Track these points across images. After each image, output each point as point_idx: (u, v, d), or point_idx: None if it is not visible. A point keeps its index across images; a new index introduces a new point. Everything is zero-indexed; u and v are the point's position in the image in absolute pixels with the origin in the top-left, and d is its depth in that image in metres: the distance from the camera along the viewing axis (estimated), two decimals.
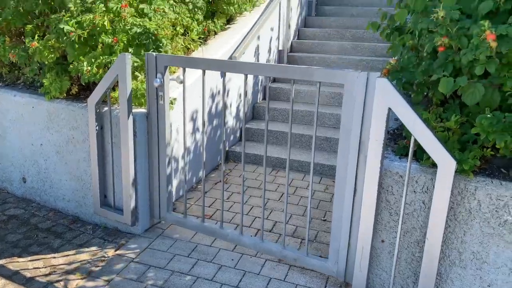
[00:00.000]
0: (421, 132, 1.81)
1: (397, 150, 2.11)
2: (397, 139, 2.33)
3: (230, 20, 4.51)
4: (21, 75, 3.50)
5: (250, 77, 4.61)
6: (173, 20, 3.04)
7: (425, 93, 2.32)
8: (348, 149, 2.08)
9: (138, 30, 2.78)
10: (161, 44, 2.81)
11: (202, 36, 3.77)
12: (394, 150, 2.17)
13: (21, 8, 3.33)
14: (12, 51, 3.12)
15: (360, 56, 5.33)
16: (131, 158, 2.67)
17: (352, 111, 2.02)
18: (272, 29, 5.07)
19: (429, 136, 1.79)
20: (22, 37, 3.62)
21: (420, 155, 2.02)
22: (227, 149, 4.24)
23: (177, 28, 3.14)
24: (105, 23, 2.79)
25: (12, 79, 3.57)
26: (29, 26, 3.31)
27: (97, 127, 2.77)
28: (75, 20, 2.85)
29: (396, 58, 2.41)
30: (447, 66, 1.99)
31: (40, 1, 3.26)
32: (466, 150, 1.92)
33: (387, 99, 1.86)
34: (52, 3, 3.31)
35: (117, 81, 2.73)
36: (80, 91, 3.13)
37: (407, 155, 2.09)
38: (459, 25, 1.97)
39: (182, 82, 2.71)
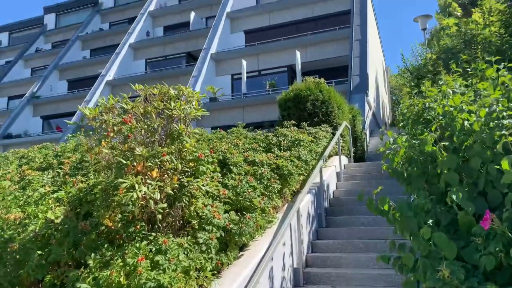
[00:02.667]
0: None
1: None
2: None
3: (242, 247, 4.64)
4: None
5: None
6: (187, 267, 3.14)
7: None
8: None
9: (153, 285, 2.84)
10: None
11: (215, 272, 3.81)
12: None
13: (44, 261, 3.52)
14: None
15: (378, 269, 5.22)
16: None
17: None
18: (284, 244, 5.13)
19: None
20: (40, 285, 3.71)
21: None
22: None
23: (191, 273, 3.21)
24: (121, 279, 2.88)
25: None
26: (48, 277, 3.43)
27: None
28: (93, 275, 2.96)
29: None
30: None
31: (65, 253, 3.47)
32: None
33: None
34: (74, 252, 3.52)
35: None
36: None
37: None
38: (467, 284, 1.97)
39: None
